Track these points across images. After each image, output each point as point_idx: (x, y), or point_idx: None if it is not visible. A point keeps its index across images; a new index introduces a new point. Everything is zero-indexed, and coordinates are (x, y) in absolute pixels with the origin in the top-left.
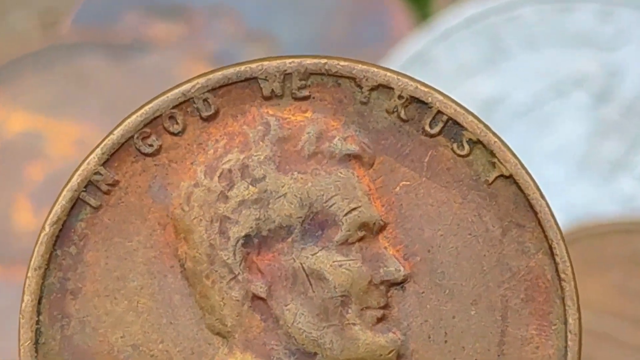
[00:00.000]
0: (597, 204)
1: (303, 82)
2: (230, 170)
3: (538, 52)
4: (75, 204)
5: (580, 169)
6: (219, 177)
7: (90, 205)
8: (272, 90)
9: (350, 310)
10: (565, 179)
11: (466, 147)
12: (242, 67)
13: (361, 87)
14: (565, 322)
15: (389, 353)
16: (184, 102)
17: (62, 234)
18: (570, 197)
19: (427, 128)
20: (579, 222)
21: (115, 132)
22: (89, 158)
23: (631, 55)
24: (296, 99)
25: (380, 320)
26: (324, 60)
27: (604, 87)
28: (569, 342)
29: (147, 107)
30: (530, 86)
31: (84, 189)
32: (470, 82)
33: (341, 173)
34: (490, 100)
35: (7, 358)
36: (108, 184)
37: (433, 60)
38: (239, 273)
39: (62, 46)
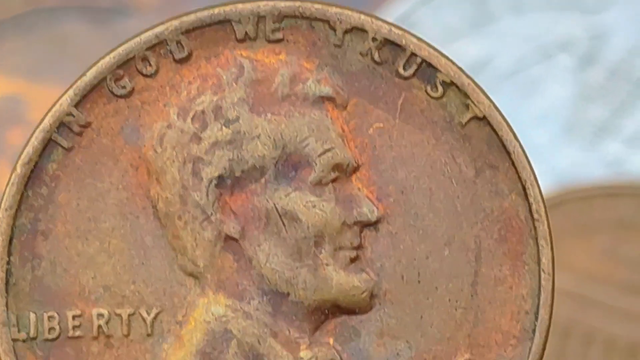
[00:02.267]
0: (583, 167)
1: (277, 24)
2: (203, 112)
3: (523, 15)
4: (47, 145)
5: (566, 133)
6: (192, 118)
7: (62, 147)
8: (246, 32)
9: (323, 251)
10: (551, 142)
11: (440, 89)
12: (216, 10)
13: (335, 30)
14: (539, 262)
15: (362, 293)
16: (157, 44)
17: (33, 175)
18: (556, 161)
19: (401, 70)
20: (564, 186)
21: (87, 73)
22: (61, 99)
23: (616, 18)
24: (270, 41)
25: (353, 260)
26: (297, 3)
27: (589, 50)
28: (543, 282)
29: (120, 49)
30: (515, 50)
31: (56, 130)
32: (455, 45)
33: (315, 115)
34: (475, 64)
35: None
36: (80, 125)
37: (417, 24)
38: (211, 214)
39: (44, 10)
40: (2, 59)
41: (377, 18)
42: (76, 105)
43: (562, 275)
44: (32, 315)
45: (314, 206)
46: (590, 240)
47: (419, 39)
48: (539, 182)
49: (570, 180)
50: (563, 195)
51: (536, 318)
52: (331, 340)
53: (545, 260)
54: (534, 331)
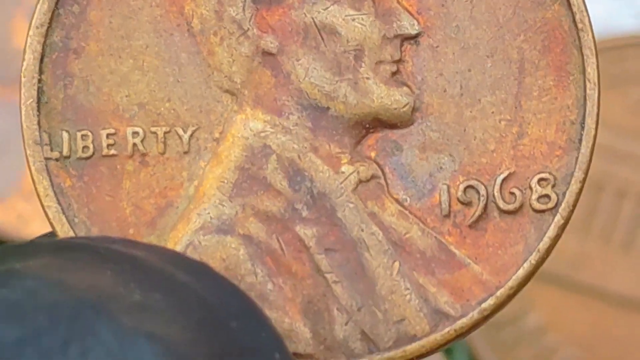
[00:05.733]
0: (615, 17)
1: None
2: None
3: None
4: None
5: None
6: None
7: None
8: None
9: (363, 64)
10: None
11: None
12: None
13: None
14: (584, 72)
15: (404, 106)
16: None
17: None
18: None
19: None
20: (596, 36)
21: None
22: None
23: None
24: None
25: (394, 74)
26: None
27: None
28: (588, 91)
29: None
30: None
31: None
32: None
33: None
34: None
35: (8, 179)
36: None
37: None
38: (248, 29)
39: None
40: None
41: None
42: None
43: None
44: (65, 134)
45: (353, 19)
46: (624, 92)
47: None
48: None
49: (601, 30)
50: None
51: (582, 128)
52: (373, 155)
53: (591, 69)
54: (580, 141)
